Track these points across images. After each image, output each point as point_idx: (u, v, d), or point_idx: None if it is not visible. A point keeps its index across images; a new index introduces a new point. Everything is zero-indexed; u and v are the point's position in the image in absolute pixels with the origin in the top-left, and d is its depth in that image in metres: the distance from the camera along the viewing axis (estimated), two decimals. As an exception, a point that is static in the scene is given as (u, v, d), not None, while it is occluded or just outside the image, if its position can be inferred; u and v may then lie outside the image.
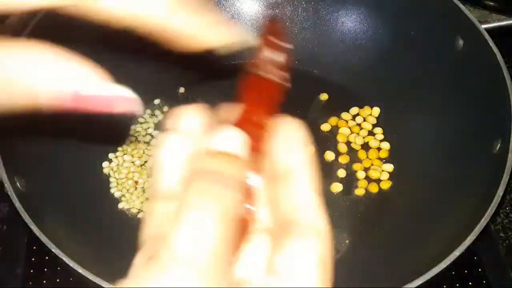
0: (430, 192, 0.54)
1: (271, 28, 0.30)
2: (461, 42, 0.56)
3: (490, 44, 0.52)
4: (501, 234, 0.58)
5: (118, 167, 0.58)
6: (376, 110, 0.63)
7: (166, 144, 0.25)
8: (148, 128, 0.61)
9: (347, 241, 0.54)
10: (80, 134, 0.55)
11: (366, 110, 0.63)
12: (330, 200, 0.56)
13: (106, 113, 0.24)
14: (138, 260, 0.22)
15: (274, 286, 0.22)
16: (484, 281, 0.54)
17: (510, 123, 0.48)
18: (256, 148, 0.25)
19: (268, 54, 0.28)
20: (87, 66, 0.24)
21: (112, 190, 0.57)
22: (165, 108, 0.63)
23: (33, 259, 0.55)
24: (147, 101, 0.63)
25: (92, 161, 0.58)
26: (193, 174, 0.23)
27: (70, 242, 0.47)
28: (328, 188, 0.57)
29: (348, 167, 0.59)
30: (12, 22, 0.38)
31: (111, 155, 0.59)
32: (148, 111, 0.62)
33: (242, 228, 0.23)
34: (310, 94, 0.64)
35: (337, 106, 0.63)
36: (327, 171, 0.59)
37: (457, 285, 0.54)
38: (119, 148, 0.60)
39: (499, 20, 0.66)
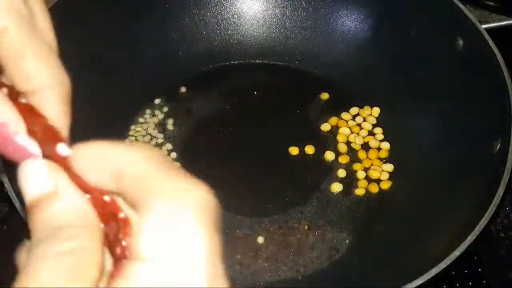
0: (430, 192, 0.54)
1: None
2: (461, 42, 0.56)
3: (490, 44, 0.52)
4: (501, 234, 0.58)
5: (118, 167, 0.58)
6: (376, 110, 0.63)
7: None
8: (148, 128, 0.61)
9: (347, 241, 0.54)
10: (80, 134, 0.55)
11: (366, 110, 0.63)
12: (330, 200, 0.57)
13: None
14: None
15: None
16: (484, 281, 0.54)
17: (510, 123, 0.48)
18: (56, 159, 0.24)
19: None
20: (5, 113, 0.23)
21: (112, 190, 0.57)
22: (165, 108, 0.63)
23: (33, 259, 0.55)
24: (147, 101, 0.63)
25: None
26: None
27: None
28: (328, 188, 0.57)
29: (348, 167, 0.59)
30: None
31: (111, 155, 0.59)
32: (148, 111, 0.62)
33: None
34: (310, 94, 0.64)
35: (337, 106, 0.63)
36: (327, 171, 0.59)
37: (457, 285, 0.54)
38: (119, 148, 0.59)
39: (499, 20, 0.66)
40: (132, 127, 0.61)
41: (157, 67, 0.64)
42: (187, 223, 0.21)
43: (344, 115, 0.63)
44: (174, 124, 0.62)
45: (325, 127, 0.62)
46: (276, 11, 0.67)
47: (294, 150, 0.60)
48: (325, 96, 0.64)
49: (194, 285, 0.20)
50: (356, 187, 0.58)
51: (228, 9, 0.67)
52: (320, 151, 0.60)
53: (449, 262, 0.42)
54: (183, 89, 0.65)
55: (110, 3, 0.61)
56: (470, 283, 0.54)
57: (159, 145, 0.60)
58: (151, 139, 0.61)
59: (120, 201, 0.23)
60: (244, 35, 0.67)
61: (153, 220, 0.21)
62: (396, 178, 0.58)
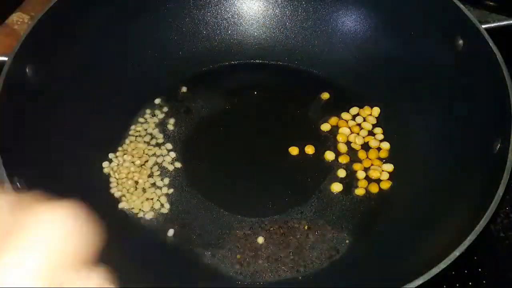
0: (430, 192, 0.54)
1: None
2: (461, 42, 0.56)
3: (490, 44, 0.52)
4: (501, 234, 0.58)
5: (118, 167, 0.58)
6: (376, 110, 0.63)
7: None
8: (148, 128, 0.61)
9: (347, 241, 0.54)
10: (80, 134, 0.55)
11: (366, 110, 0.63)
12: (330, 200, 0.57)
13: None
14: None
15: None
16: (484, 281, 0.54)
17: (510, 123, 0.48)
18: None
19: None
20: None
21: (112, 190, 0.57)
22: (165, 108, 0.63)
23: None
24: (147, 101, 0.63)
25: (92, 161, 0.58)
26: None
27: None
28: (328, 188, 0.57)
29: (348, 167, 0.59)
30: None
31: (111, 155, 0.59)
32: (148, 111, 0.62)
33: None
34: (310, 94, 0.64)
35: (337, 106, 0.63)
36: (327, 171, 0.59)
37: (457, 285, 0.54)
38: (119, 148, 0.60)
39: (499, 20, 0.66)
40: (132, 127, 0.61)
41: (157, 67, 0.64)
42: None
43: (344, 115, 0.63)
44: (174, 124, 0.62)
45: (325, 127, 0.62)
46: (276, 11, 0.67)
47: (294, 150, 0.60)
48: (325, 96, 0.64)
49: None
50: (356, 187, 0.58)
51: (228, 9, 0.67)
52: (320, 151, 0.60)
53: (449, 262, 0.42)
54: (183, 89, 0.65)
55: (110, 3, 0.61)
56: (470, 283, 0.54)
57: (159, 145, 0.60)
58: (151, 139, 0.61)
59: None
60: (244, 35, 0.67)
61: None
62: (396, 178, 0.58)
